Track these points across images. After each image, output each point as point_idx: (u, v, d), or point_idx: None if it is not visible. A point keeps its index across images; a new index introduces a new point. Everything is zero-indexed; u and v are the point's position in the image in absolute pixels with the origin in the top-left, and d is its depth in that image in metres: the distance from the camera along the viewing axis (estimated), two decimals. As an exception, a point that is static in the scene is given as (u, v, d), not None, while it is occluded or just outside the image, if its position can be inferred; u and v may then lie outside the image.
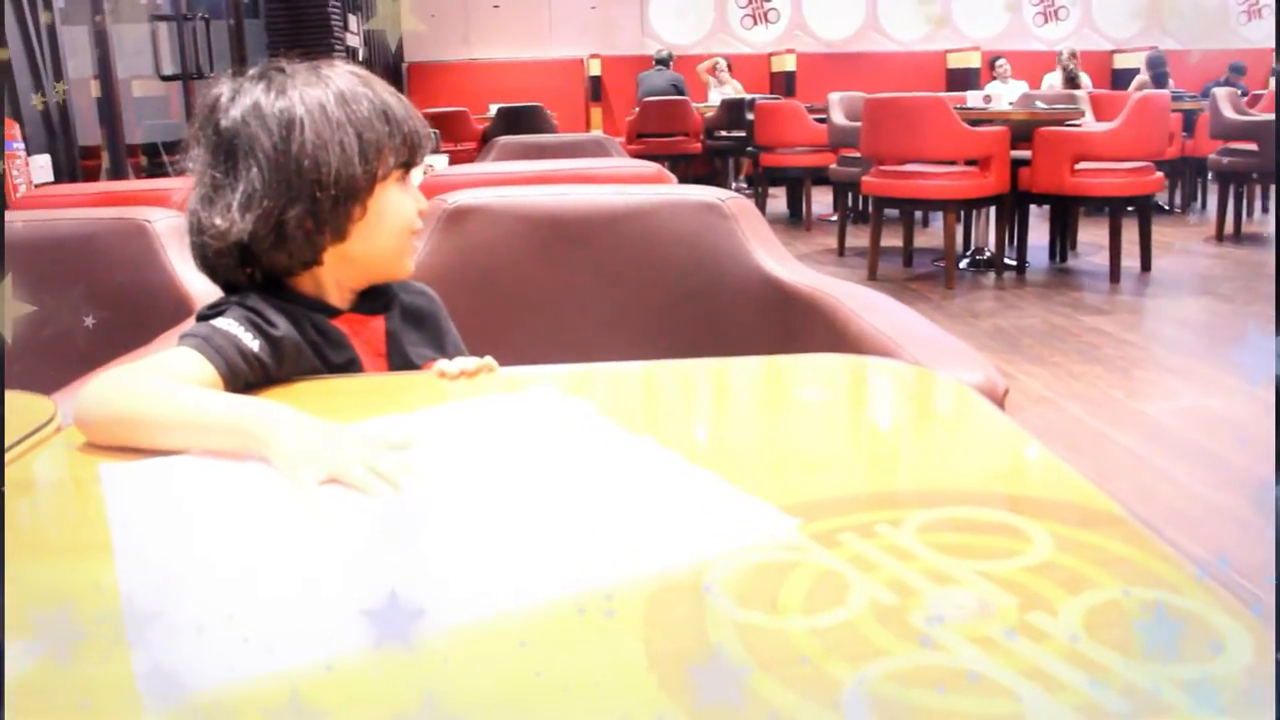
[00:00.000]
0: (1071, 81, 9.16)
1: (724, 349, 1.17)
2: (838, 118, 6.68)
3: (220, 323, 1.05)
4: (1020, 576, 0.61)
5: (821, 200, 7.88)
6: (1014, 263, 5.83)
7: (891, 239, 6.19)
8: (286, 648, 0.56)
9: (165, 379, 0.96)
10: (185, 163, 1.14)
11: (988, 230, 5.95)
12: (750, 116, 8.07)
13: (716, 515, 0.71)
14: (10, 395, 1.11)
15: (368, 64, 8.11)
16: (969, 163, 5.40)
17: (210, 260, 1.12)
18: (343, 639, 0.56)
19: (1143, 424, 3.28)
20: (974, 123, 5.42)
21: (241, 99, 1.10)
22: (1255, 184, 7.25)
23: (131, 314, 1.68)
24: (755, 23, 11.85)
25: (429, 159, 3.43)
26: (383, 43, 9.91)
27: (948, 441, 0.95)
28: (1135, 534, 0.67)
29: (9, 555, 0.76)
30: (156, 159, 6.38)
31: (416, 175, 1.20)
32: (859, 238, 6.66)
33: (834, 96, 6.89)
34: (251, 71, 1.13)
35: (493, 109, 8.95)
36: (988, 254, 5.90)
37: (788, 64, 11.44)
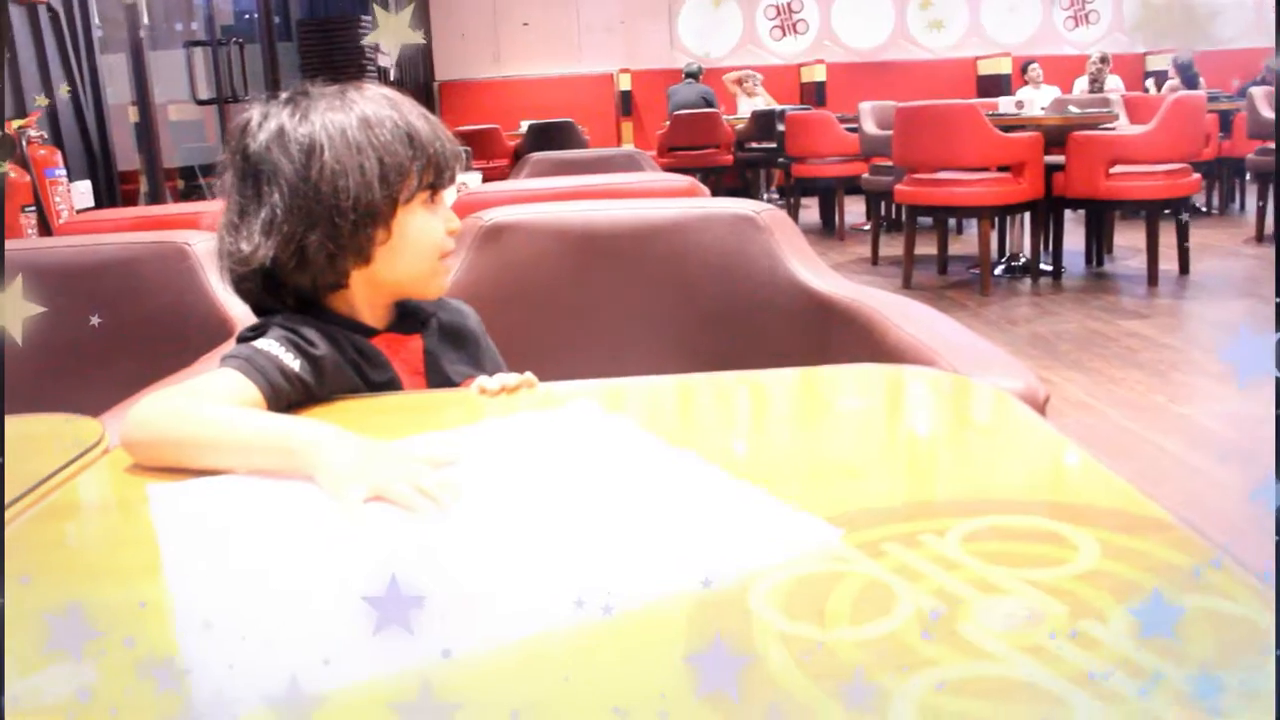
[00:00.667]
0: (1096, 86, 9.10)
1: (761, 361, 1.17)
2: (869, 127, 6.66)
3: (261, 344, 1.06)
4: (1069, 584, 0.60)
5: (854, 210, 7.86)
6: (1050, 268, 5.79)
7: (926, 247, 6.16)
8: (335, 664, 0.56)
9: (209, 400, 0.97)
10: (219, 186, 1.16)
11: (1023, 236, 5.91)
12: (781, 128, 8.06)
13: (760, 527, 0.71)
14: (58, 418, 1.13)
15: (399, 84, 8.17)
16: (1002, 169, 5.37)
17: (238, 284, 1.14)
18: (389, 655, 0.56)
19: (1186, 428, 3.24)
20: (1007, 129, 5.39)
21: (268, 124, 1.11)
22: (1294, 184, 7.16)
23: (174, 335, 1.70)
24: (784, 34, 11.86)
25: (462, 177, 3.46)
26: (414, 62, 9.98)
27: (990, 449, 0.94)
28: (1183, 539, 0.66)
29: (62, 576, 0.77)
30: (193, 182, 6.47)
31: (450, 195, 1.21)
32: (893, 247, 6.64)
33: (865, 106, 6.88)
34: (281, 96, 1.14)
35: (524, 126, 9.00)
36: (1023, 260, 5.86)
37: (817, 74, 11.44)
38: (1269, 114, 6.74)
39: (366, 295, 1.16)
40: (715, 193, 2.01)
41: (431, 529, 0.75)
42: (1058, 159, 5.40)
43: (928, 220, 6.11)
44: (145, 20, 5.79)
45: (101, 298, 1.82)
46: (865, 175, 6.90)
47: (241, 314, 1.34)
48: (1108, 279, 5.75)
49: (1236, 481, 2.65)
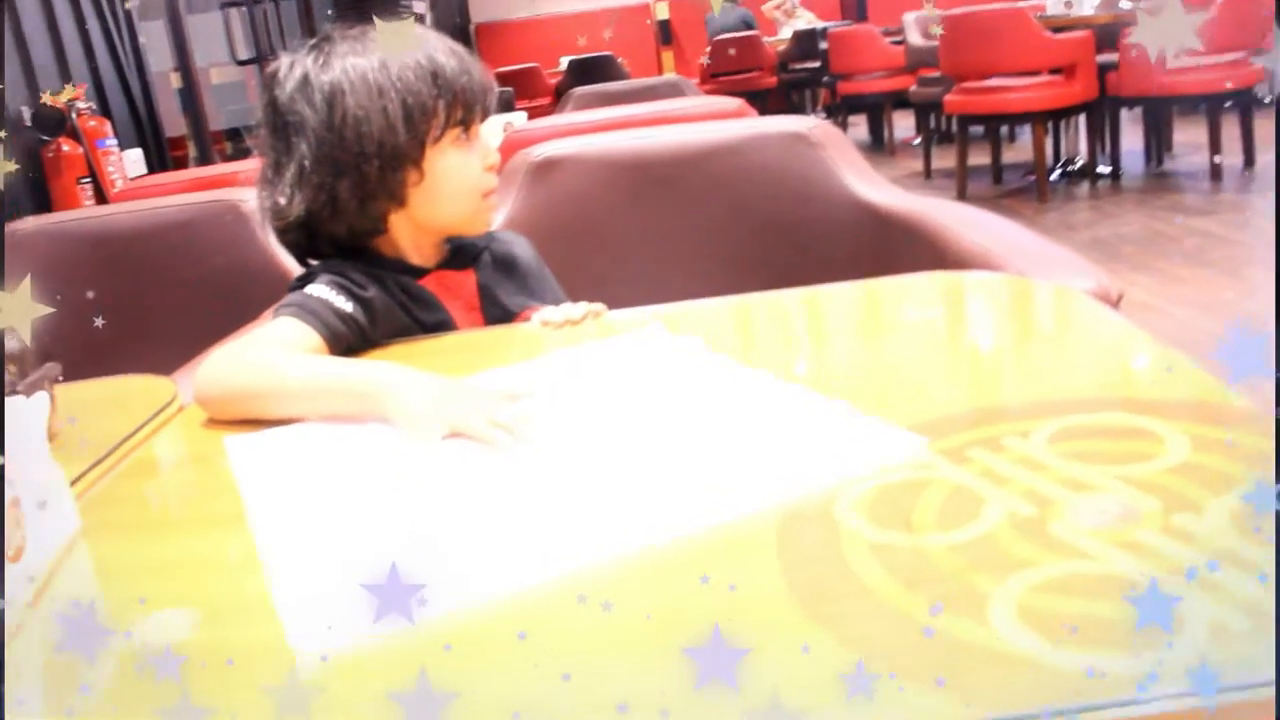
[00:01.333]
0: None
1: (822, 278, 1.15)
2: (915, 38, 6.51)
3: (311, 289, 1.07)
4: (1161, 478, 0.59)
5: (903, 124, 7.72)
6: (1108, 170, 5.65)
7: (979, 157, 6.04)
8: (431, 600, 0.56)
9: (274, 350, 0.98)
10: (256, 142, 1.15)
11: (1078, 139, 5.77)
12: (824, 46, 7.91)
13: (844, 440, 0.70)
14: (132, 380, 1.15)
15: (434, 28, 8.12)
16: (1054, 71, 5.23)
17: (281, 236, 1.14)
18: (489, 585, 0.57)
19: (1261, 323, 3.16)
20: (1056, 30, 5.25)
21: (294, 72, 1.10)
22: (1361, 65, 6.91)
23: (235, 291, 1.72)
24: (822, -52, 11.60)
25: (507, 117, 3.43)
26: (449, 5, 9.91)
27: (1066, 349, 0.93)
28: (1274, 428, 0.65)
29: (150, 531, 0.79)
30: (239, 143, 6.51)
31: (493, 133, 1.19)
32: (945, 159, 6.51)
33: (909, 17, 6.72)
34: (309, 42, 1.13)
35: (564, 62, 8.92)
36: (1080, 164, 5.73)
37: (858, -13, 11.20)
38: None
39: (411, 236, 1.15)
40: (762, 115, 1.97)
41: (515, 462, 0.75)
42: (1110, 58, 5.25)
43: (979, 130, 5.98)
44: (181, -16, 5.80)
45: (162, 260, 1.85)
46: (913, 88, 6.76)
47: (298, 266, 1.35)
48: (1169, 178, 5.60)
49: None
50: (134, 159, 4.76)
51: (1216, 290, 3.53)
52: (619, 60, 8.58)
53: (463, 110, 1.11)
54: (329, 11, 7.25)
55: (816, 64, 8.29)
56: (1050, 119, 5.39)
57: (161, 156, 5.22)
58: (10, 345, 1.02)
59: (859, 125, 8.68)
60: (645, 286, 1.62)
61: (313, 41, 1.13)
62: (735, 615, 0.51)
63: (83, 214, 2.31)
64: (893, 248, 1.52)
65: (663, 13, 11.43)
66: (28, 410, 0.69)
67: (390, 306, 1.10)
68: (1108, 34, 5.27)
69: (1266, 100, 5.12)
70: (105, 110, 4.65)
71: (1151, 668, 0.43)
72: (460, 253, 1.20)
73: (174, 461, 0.95)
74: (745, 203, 1.67)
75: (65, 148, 4.23)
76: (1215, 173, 5.20)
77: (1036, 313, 1.03)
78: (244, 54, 6.63)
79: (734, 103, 2.16)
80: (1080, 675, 0.44)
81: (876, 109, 7.92)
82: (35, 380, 1.00)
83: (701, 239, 1.68)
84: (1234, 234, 4.23)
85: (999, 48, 5.14)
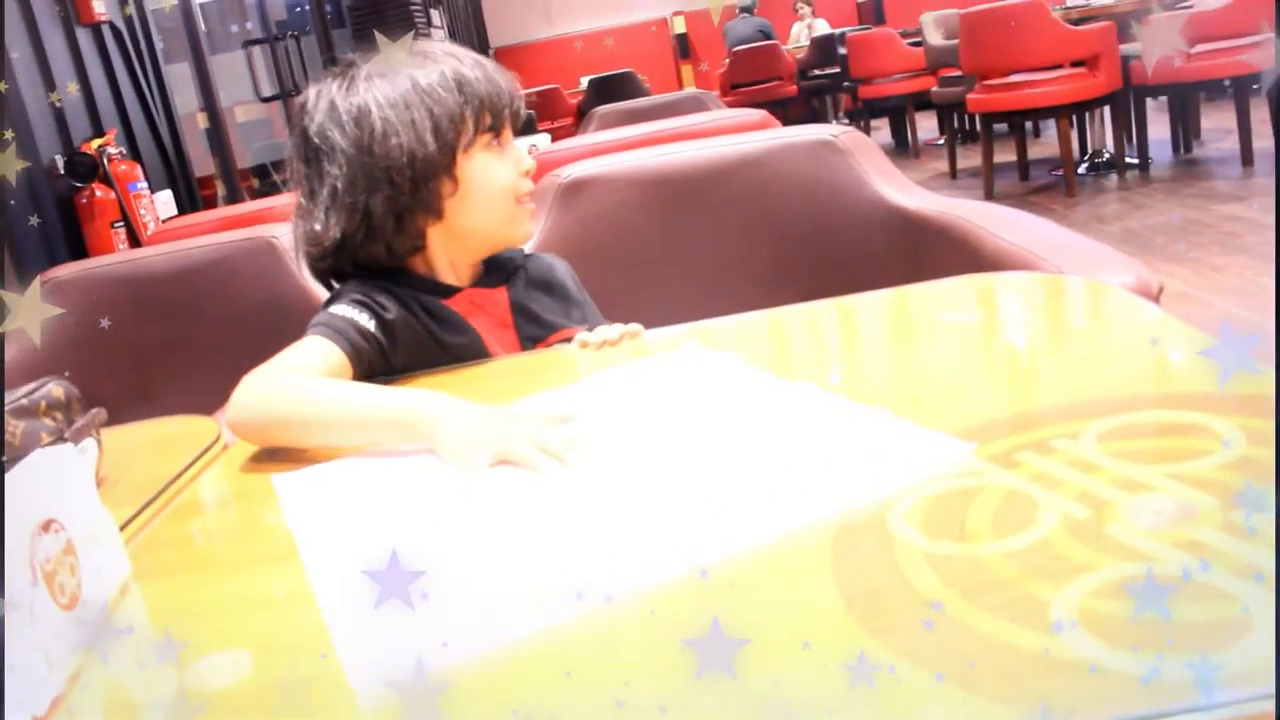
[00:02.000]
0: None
1: (856, 286, 1.14)
2: (933, 38, 6.49)
3: (335, 308, 1.08)
4: (1218, 475, 0.58)
5: (926, 126, 7.70)
6: (1136, 161, 5.60)
7: (1004, 155, 6.00)
8: (483, 633, 0.56)
9: (305, 373, 0.98)
10: (289, 175, 1.16)
11: (1104, 131, 5.72)
12: (842, 50, 7.90)
13: (891, 449, 0.70)
14: (175, 420, 1.16)
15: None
16: (1076, 64, 5.19)
17: (314, 265, 1.15)
18: (541, 616, 0.56)
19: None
20: (1076, 21, 5.21)
21: (320, 102, 1.11)
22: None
23: (272, 326, 1.71)
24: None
25: (532, 139, 3.44)
26: (468, 30, 9.97)
27: (1111, 346, 0.91)
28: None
29: (201, 572, 0.79)
30: (267, 179, 6.57)
31: (521, 140, 1.19)
32: (970, 158, 6.48)
33: (927, 17, 6.70)
34: (333, 70, 1.14)
35: (584, 81, 8.95)
36: (1107, 156, 5.68)
37: (873, -10, 11.18)
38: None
39: (448, 252, 1.15)
40: (784, 124, 1.96)
41: (563, 487, 0.75)
42: (1134, 47, 5.21)
43: (1003, 127, 5.95)
44: (202, 26, 5.87)
45: (198, 299, 1.86)
46: (934, 89, 6.73)
47: (336, 299, 1.36)
48: (1198, 165, 5.54)
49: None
50: (164, 200, 4.81)
51: (1255, 276, 3.48)
52: (639, 77, 8.60)
53: (491, 116, 1.11)
54: (352, 46, 7.31)
55: (836, 69, 8.29)
56: (1075, 112, 5.35)
57: (191, 196, 5.27)
58: (56, 393, 1.04)
59: (881, 129, 8.66)
60: (680, 303, 1.62)
61: (337, 69, 1.14)
62: (789, 629, 0.51)
63: (119, 258, 2.33)
64: (927, 252, 1.51)
65: (680, 26, 11.44)
66: (77, 457, 0.70)
67: (412, 328, 1.10)
68: (1130, 22, 5.22)
69: (1254, 87, 5.06)
70: (135, 154, 4.71)
71: (1216, 670, 0.42)
72: (495, 270, 1.20)
73: (221, 501, 0.95)
74: (776, 214, 1.67)
75: (98, 193, 4.28)
76: (1246, 157, 5.14)
77: (1077, 311, 1.02)
78: (268, 90, 6.69)
79: (758, 114, 2.15)
80: (1142, 680, 0.43)
81: (898, 111, 7.90)
82: (82, 426, 1.02)
83: (734, 253, 1.68)
84: (1268, 217, 4.18)
85: (1019, 43, 5.11)
